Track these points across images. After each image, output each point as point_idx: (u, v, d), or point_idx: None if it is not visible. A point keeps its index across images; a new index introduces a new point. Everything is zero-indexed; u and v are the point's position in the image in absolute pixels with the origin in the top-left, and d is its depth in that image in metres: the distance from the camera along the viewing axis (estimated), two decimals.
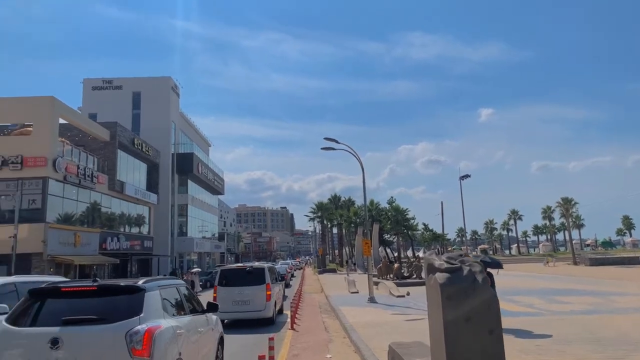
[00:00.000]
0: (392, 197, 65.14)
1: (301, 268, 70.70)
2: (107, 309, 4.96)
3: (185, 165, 51.29)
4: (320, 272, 53.60)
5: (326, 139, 22.18)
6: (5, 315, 5.13)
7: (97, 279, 6.25)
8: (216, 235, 69.77)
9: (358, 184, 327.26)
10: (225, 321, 13.69)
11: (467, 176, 55.89)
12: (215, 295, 14.25)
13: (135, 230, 40.94)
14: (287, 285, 32.43)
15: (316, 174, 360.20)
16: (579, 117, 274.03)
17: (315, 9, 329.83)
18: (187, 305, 6.52)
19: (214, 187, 63.58)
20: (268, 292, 14.40)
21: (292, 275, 48.71)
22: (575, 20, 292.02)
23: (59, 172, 27.04)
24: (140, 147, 40.03)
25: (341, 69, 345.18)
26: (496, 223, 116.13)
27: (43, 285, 5.54)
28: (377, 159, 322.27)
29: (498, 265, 12.15)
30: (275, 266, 29.71)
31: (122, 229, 37.26)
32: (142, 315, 4.93)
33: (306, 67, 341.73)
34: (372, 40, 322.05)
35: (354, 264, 53.78)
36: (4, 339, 4.79)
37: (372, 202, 62.44)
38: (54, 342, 4.60)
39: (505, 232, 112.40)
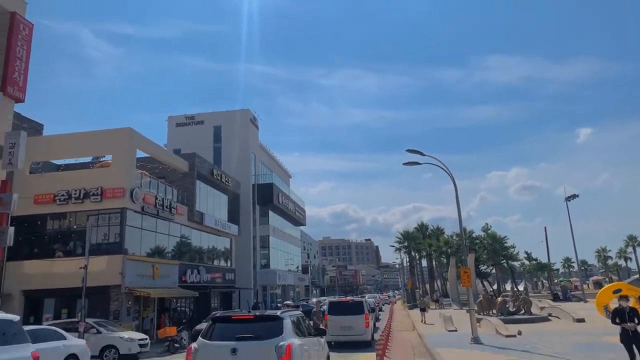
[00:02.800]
0: (487, 224, 59.30)
1: (389, 302, 66.20)
2: (261, 331, 7.46)
3: (266, 196, 50.57)
4: (410, 307, 49.49)
5: (409, 150, 19.26)
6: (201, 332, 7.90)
7: (251, 310, 11.66)
8: (299, 267, 68.10)
9: (446, 214, 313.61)
10: (333, 343, 16.89)
11: (574, 196, 49.17)
12: (326, 322, 17.92)
13: (216, 262, 40.27)
14: (377, 319, 31.92)
15: (401, 205, 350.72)
16: None
17: (389, 42, 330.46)
18: (305, 329, 8.97)
19: (296, 217, 62.35)
20: (367, 320, 18.00)
21: (380, 309, 46.10)
22: None
23: (136, 202, 26.74)
24: (219, 178, 39.72)
25: (419, 98, 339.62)
26: (610, 251, 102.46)
27: (217, 315, 8.53)
28: (465, 187, 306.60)
29: None
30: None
31: (202, 261, 36.57)
32: (283, 335, 7.40)
33: (384, 100, 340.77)
34: (449, 67, 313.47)
35: (436, 300, 48.98)
36: (204, 348, 7.42)
37: (464, 230, 57.11)
38: (233, 351, 7.13)
39: (622, 262, 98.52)
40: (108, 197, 25.91)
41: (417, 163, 20.21)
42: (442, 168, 19.68)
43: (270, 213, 53.39)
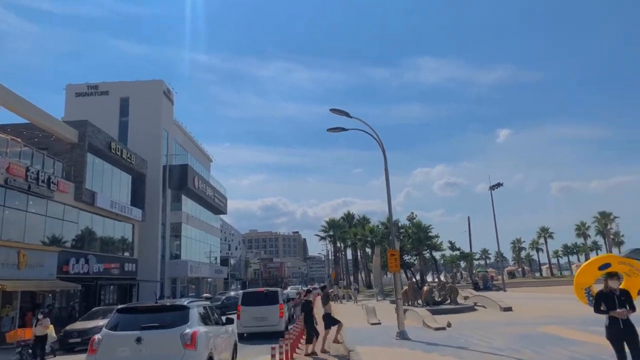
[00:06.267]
0: (412, 213, 58.20)
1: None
2: (167, 320, 7.75)
3: (179, 179, 45.53)
4: (333, 299, 47.02)
5: (333, 110, 16.11)
6: (106, 324, 8.07)
7: (158, 301, 11.89)
8: (218, 259, 63.37)
9: (374, 208, 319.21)
10: (245, 335, 17.11)
11: (499, 185, 49.25)
12: (239, 313, 17.58)
13: (116, 252, 34.93)
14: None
15: (331, 199, 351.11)
16: (597, 137, 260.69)
17: (325, 38, 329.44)
18: (212, 319, 9.44)
19: (215, 205, 57.53)
20: (281, 310, 17.52)
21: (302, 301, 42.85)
22: (583, 40, 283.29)
23: None
24: (119, 153, 34.28)
25: (351, 95, 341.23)
26: (524, 242, 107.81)
27: (125, 305, 8.71)
28: (392, 182, 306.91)
29: None
30: (285, 291, 32.62)
31: (93, 249, 31.17)
32: (188, 323, 7.70)
33: (317, 95, 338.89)
34: (381, 66, 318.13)
35: (353, 292, 45.12)
36: (108, 338, 7.54)
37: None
38: (138, 340, 7.33)
39: (534, 253, 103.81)
40: None
41: (343, 129, 17.16)
42: (369, 133, 16.78)
43: (184, 198, 48.33)
